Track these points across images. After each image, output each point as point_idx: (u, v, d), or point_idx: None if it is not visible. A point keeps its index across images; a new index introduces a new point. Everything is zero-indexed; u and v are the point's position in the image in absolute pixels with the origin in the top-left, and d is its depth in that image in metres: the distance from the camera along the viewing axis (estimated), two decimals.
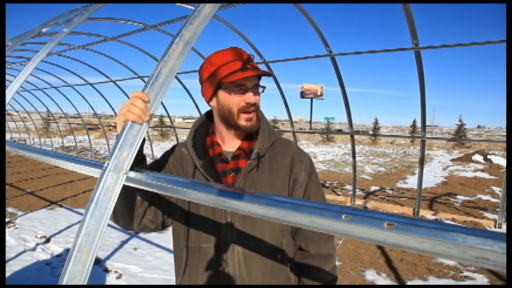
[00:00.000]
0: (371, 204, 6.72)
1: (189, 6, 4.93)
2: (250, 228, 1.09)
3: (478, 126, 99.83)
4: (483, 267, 0.38)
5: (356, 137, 23.72)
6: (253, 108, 1.11)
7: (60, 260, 4.01)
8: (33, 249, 4.33)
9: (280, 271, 1.12)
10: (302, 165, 1.17)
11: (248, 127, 1.12)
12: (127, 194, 1.01)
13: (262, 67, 6.58)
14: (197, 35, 0.73)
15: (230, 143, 1.18)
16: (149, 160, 1.23)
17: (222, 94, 1.10)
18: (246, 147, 1.16)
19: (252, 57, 1.11)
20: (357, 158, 15.01)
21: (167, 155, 1.21)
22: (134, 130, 0.72)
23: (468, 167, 12.57)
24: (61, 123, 22.96)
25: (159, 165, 1.18)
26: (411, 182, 9.74)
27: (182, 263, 1.15)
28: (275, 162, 1.16)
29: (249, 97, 1.08)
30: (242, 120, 1.11)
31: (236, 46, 1.13)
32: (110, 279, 3.57)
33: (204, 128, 1.23)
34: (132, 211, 1.06)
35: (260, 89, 1.14)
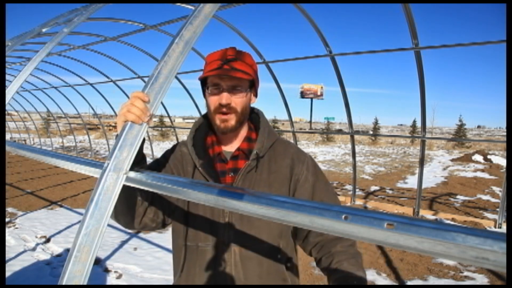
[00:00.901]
0: (371, 204, 6.72)
1: (189, 6, 4.93)
2: (247, 228, 1.09)
3: (478, 126, 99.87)
4: (483, 267, 0.37)
5: (356, 137, 23.70)
6: (225, 109, 1.08)
7: (60, 260, 4.01)
8: (33, 249, 4.33)
9: (277, 272, 1.11)
10: (303, 165, 1.16)
11: (222, 128, 1.10)
12: (128, 194, 1.01)
13: (262, 67, 6.57)
14: (197, 35, 0.73)
15: (229, 143, 1.18)
16: (149, 160, 1.22)
17: (206, 92, 1.13)
18: (245, 147, 1.16)
19: (234, 58, 1.07)
20: (357, 158, 15.01)
21: (168, 154, 1.22)
22: (134, 130, 0.72)
23: (468, 167, 12.58)
24: (61, 123, 22.94)
25: (159, 164, 1.18)
26: (411, 182, 9.75)
27: (180, 262, 1.15)
28: (275, 163, 1.15)
29: (221, 97, 1.07)
30: (217, 120, 1.11)
31: (231, 46, 1.12)
32: (110, 279, 3.57)
33: (204, 127, 1.23)
34: (133, 210, 1.06)
35: (245, 91, 1.11)
